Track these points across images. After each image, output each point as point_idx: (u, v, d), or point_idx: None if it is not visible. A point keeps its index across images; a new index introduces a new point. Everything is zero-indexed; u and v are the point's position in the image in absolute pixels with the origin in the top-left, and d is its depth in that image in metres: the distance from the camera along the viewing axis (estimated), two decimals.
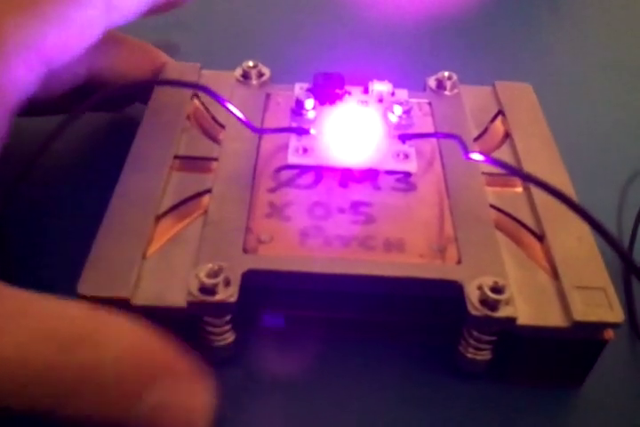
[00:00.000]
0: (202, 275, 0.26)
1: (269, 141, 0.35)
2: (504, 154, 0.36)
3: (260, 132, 0.35)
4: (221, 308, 0.26)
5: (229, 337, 0.28)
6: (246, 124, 0.33)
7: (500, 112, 0.39)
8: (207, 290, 0.26)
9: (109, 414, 0.22)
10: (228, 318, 0.28)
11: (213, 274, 0.26)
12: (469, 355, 0.28)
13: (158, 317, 0.26)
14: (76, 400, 0.21)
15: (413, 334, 0.30)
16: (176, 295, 0.27)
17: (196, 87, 0.36)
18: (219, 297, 0.26)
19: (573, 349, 0.28)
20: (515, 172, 0.31)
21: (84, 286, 0.26)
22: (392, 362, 0.30)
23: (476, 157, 0.30)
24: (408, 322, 0.30)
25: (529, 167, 0.34)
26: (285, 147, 0.34)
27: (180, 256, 0.29)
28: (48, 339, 0.22)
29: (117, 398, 0.22)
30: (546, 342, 0.28)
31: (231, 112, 0.33)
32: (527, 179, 0.28)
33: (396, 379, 0.29)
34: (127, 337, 0.22)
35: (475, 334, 0.28)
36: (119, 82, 0.37)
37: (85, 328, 0.22)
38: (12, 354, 0.21)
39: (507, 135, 0.37)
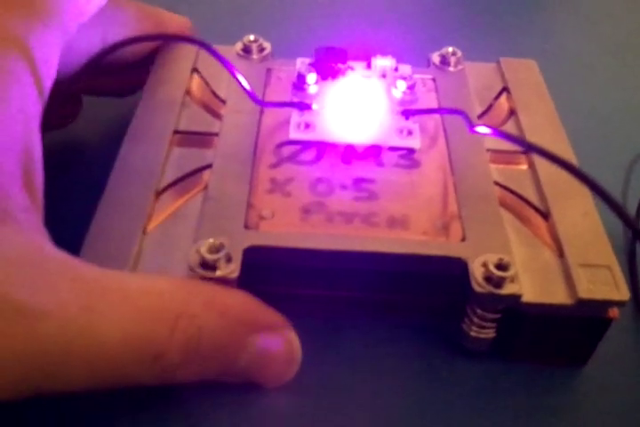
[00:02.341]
0: (203, 250, 0.26)
1: (271, 117, 0.34)
2: (509, 131, 0.35)
3: (263, 104, 0.34)
4: (223, 283, 0.26)
5: None
6: (249, 94, 0.32)
7: (505, 89, 0.38)
8: (208, 265, 0.26)
9: (218, 372, 0.24)
10: None
11: (215, 249, 0.26)
12: (473, 333, 0.28)
13: None
14: (181, 371, 0.23)
15: (417, 312, 0.30)
16: (177, 271, 0.26)
17: (202, 45, 0.35)
18: (220, 273, 0.26)
19: (578, 327, 0.28)
20: (521, 143, 0.30)
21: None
22: (395, 340, 0.30)
23: (482, 130, 0.29)
24: (412, 300, 0.30)
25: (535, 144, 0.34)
26: (287, 122, 0.33)
27: (181, 232, 0.28)
28: (150, 318, 0.22)
29: (221, 358, 0.24)
30: (550, 320, 0.27)
31: (236, 78, 0.32)
32: (532, 149, 0.28)
33: (400, 357, 0.29)
34: (218, 304, 0.24)
35: (478, 311, 0.28)
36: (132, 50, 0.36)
37: (178, 302, 0.23)
38: (117, 336, 0.21)
39: (511, 112, 0.37)
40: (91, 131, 0.38)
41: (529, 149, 0.29)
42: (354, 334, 0.30)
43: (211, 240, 0.26)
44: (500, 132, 0.29)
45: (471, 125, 0.30)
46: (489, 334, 0.28)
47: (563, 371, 0.29)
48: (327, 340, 0.30)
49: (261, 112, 0.34)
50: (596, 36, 0.53)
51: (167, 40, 0.38)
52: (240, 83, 0.32)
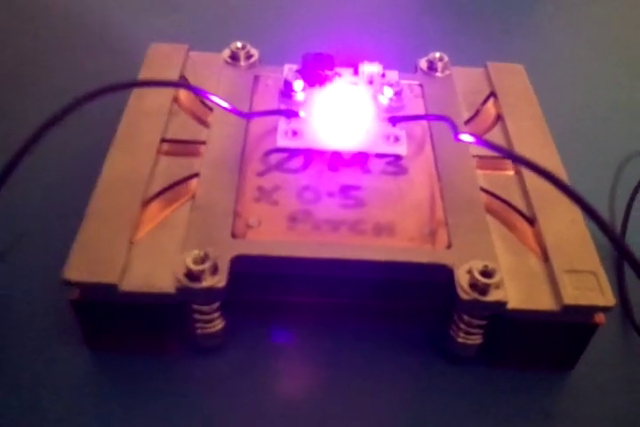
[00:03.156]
0: (188, 261, 0.26)
1: (258, 124, 0.34)
2: (496, 136, 0.36)
3: (248, 116, 0.34)
4: (210, 294, 0.26)
5: (218, 324, 0.28)
6: (233, 111, 0.32)
7: (492, 94, 0.38)
8: (194, 276, 0.26)
9: None
10: (216, 304, 0.27)
11: (200, 260, 0.26)
12: (460, 339, 0.28)
13: (147, 303, 0.26)
14: None
15: (404, 318, 0.30)
16: (164, 281, 0.26)
17: (176, 85, 0.35)
18: (206, 283, 0.26)
19: (564, 333, 0.28)
20: (505, 153, 0.30)
21: (70, 272, 0.26)
22: (382, 347, 0.30)
23: (466, 138, 0.29)
24: (398, 307, 0.30)
25: (520, 150, 0.34)
26: (275, 129, 0.33)
27: (169, 241, 0.28)
28: None
29: None
30: (536, 326, 0.28)
31: (216, 103, 0.32)
32: (518, 160, 0.28)
33: (386, 363, 0.29)
34: None
35: (465, 318, 0.28)
36: None
37: None
38: None
39: (498, 117, 0.37)
40: (77, 137, 0.38)
41: (516, 160, 0.29)
42: (341, 340, 0.30)
43: (196, 251, 0.26)
44: (483, 142, 0.29)
45: (456, 133, 0.30)
46: (476, 340, 0.28)
47: (550, 376, 0.29)
48: (314, 346, 0.30)
49: (248, 120, 0.34)
50: (584, 39, 0.53)
51: (153, 86, 0.37)
52: (220, 105, 0.32)
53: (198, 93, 0.32)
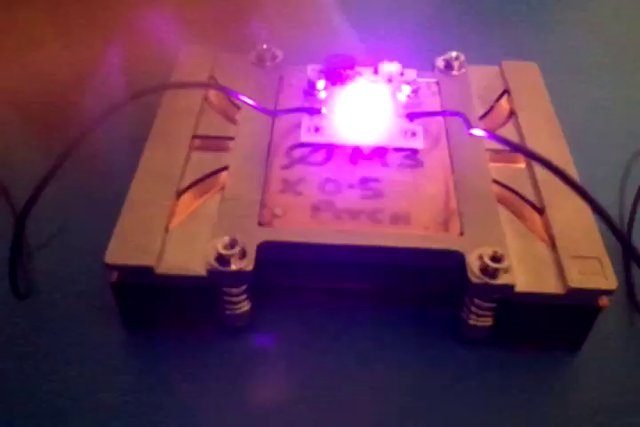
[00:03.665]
0: (219, 246, 0.28)
1: (283, 121, 0.37)
2: (508, 131, 0.37)
3: (274, 113, 0.36)
4: (239, 277, 0.28)
5: (246, 306, 0.30)
6: (260, 109, 0.35)
7: (506, 91, 0.40)
8: (224, 260, 0.28)
9: None
10: (244, 287, 0.29)
11: (229, 246, 0.28)
12: (471, 321, 0.30)
13: (180, 285, 0.29)
14: None
15: (418, 303, 0.32)
16: (197, 265, 0.29)
17: (209, 86, 0.37)
18: (235, 267, 0.28)
19: (569, 315, 0.30)
20: (513, 146, 0.32)
21: (111, 256, 0.28)
22: (398, 330, 0.32)
23: (478, 132, 0.31)
24: (413, 291, 0.32)
25: (532, 145, 0.36)
26: (298, 126, 0.36)
27: (200, 229, 0.31)
28: None
29: None
30: (543, 308, 0.29)
31: (244, 102, 0.34)
32: (525, 153, 0.30)
33: (402, 345, 0.31)
34: None
35: (476, 301, 0.30)
36: None
37: None
38: None
39: (511, 113, 0.39)
40: (114, 136, 0.41)
41: (519, 151, 0.31)
42: (358, 323, 0.32)
43: (226, 238, 0.28)
44: (493, 136, 0.31)
45: (469, 127, 0.32)
46: (486, 322, 0.30)
47: (557, 357, 0.31)
48: (333, 328, 0.32)
49: (274, 117, 0.37)
50: (598, 37, 0.54)
51: (187, 87, 0.39)
52: (248, 104, 0.34)
53: (228, 93, 0.34)
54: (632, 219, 0.38)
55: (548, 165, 0.29)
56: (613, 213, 0.38)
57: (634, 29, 0.55)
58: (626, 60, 0.51)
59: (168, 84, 0.32)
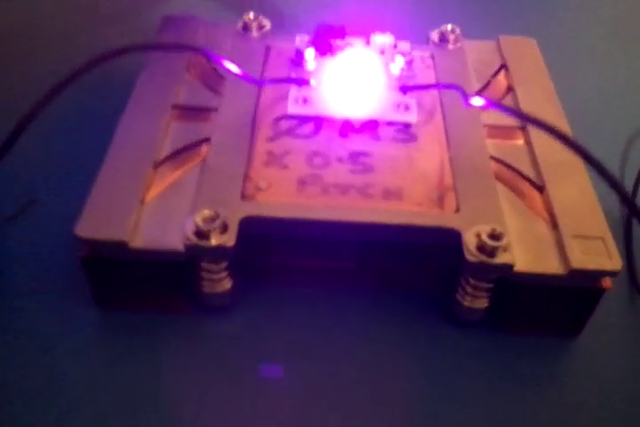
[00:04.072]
0: (198, 219, 0.26)
1: (269, 92, 0.35)
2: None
3: (260, 83, 0.34)
4: (219, 253, 0.26)
5: (227, 284, 0.28)
6: (245, 77, 0.33)
7: (503, 66, 0.38)
8: (203, 234, 0.26)
9: None
10: (224, 264, 0.27)
11: (209, 219, 0.26)
12: (466, 303, 0.28)
13: (156, 261, 0.27)
14: None
15: (411, 283, 0.30)
16: (174, 239, 0.27)
17: (190, 49, 0.35)
18: (215, 241, 0.26)
19: (571, 297, 0.28)
20: (516, 113, 0.30)
21: (82, 229, 0.26)
22: (389, 311, 0.30)
23: (477, 101, 0.29)
24: (406, 271, 0.30)
25: None
26: (285, 97, 0.34)
27: (179, 202, 0.29)
28: None
29: None
30: (543, 290, 0.28)
31: (228, 69, 0.32)
32: (528, 120, 0.28)
33: (393, 328, 0.30)
34: None
35: (472, 281, 0.28)
36: None
37: None
38: None
39: (509, 89, 0.37)
40: (92, 102, 0.39)
41: (523, 119, 0.29)
42: (348, 304, 0.30)
43: (206, 211, 0.27)
44: (494, 103, 0.29)
45: (466, 98, 0.30)
46: (482, 303, 0.28)
47: (556, 341, 0.30)
48: (322, 310, 0.30)
49: (260, 87, 0.35)
50: (596, 15, 0.53)
51: (166, 49, 0.37)
52: (232, 71, 0.32)
53: (211, 58, 0.32)
54: (633, 201, 0.36)
55: (553, 131, 0.27)
56: (612, 194, 0.37)
57: (633, 10, 0.54)
58: (624, 42, 0.50)
59: (138, 45, 0.29)
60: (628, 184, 0.37)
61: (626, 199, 0.26)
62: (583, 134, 0.34)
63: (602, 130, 0.42)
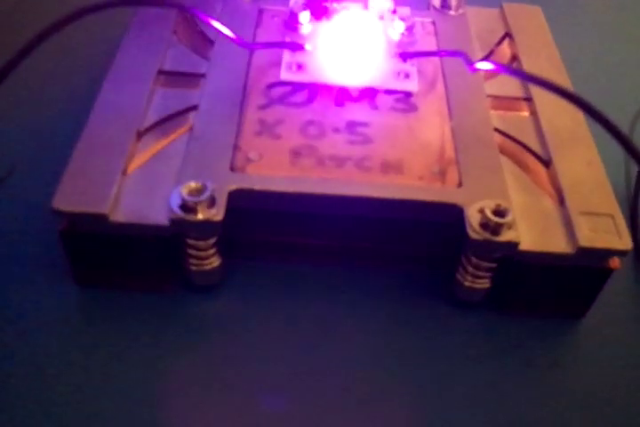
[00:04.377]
0: (184, 192, 0.24)
1: (261, 57, 0.33)
2: (511, 78, 0.34)
3: (251, 47, 0.32)
4: (207, 227, 0.25)
5: (215, 262, 0.27)
6: (234, 40, 0.30)
7: (508, 34, 0.36)
8: (189, 208, 0.24)
9: None
10: (213, 240, 0.26)
11: (196, 192, 0.25)
12: (467, 283, 0.27)
13: (139, 236, 0.25)
14: None
15: (411, 262, 0.29)
16: (158, 213, 0.25)
17: (174, 6, 0.33)
18: (202, 216, 0.24)
19: (577, 277, 0.27)
20: (523, 75, 0.29)
21: (59, 201, 0.24)
22: (388, 290, 0.29)
23: (484, 65, 0.28)
24: (404, 249, 0.29)
25: (536, 90, 0.32)
26: (278, 63, 0.32)
27: (164, 173, 0.27)
28: None
29: None
30: (549, 270, 0.26)
31: (217, 29, 0.30)
32: (535, 81, 0.26)
33: (392, 307, 0.28)
34: None
35: (474, 260, 0.26)
36: None
37: None
38: None
39: (514, 58, 0.35)
40: (70, 67, 0.37)
41: (532, 80, 0.27)
42: (346, 282, 0.29)
43: (192, 183, 0.25)
44: (502, 67, 0.28)
45: (471, 64, 0.28)
46: (484, 284, 0.27)
47: (560, 324, 0.28)
48: (313, 289, 0.28)
49: (251, 53, 0.33)
50: None
51: (148, 5, 0.34)
52: (223, 33, 0.30)
53: (200, 18, 0.30)
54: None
55: (566, 94, 0.25)
56: (620, 171, 0.35)
57: None
58: (632, 14, 0.48)
59: (118, 1, 0.27)
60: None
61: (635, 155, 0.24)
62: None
63: (609, 101, 0.40)
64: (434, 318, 0.28)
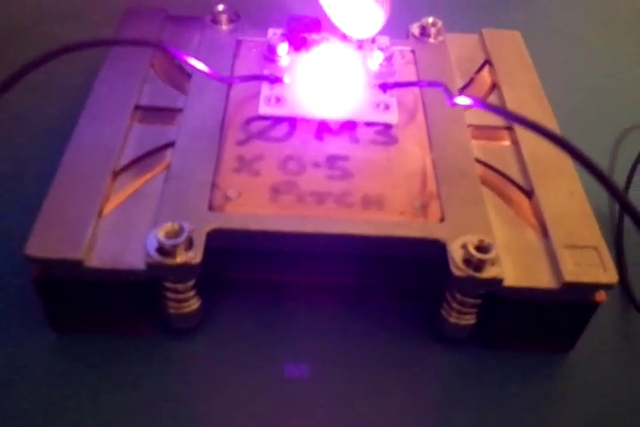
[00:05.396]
0: (161, 234, 0.24)
1: (240, 90, 0.32)
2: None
3: (229, 81, 0.32)
4: (184, 271, 0.24)
5: (194, 304, 0.26)
6: (212, 75, 0.30)
7: (487, 62, 0.36)
8: (166, 251, 0.24)
9: None
10: (191, 282, 0.25)
11: (173, 234, 0.24)
12: (453, 319, 0.27)
13: (115, 281, 0.24)
14: None
15: (394, 298, 0.29)
16: (135, 257, 0.24)
17: (149, 45, 0.33)
18: (180, 259, 0.24)
19: (563, 312, 0.26)
20: (504, 113, 0.28)
21: (32, 248, 0.24)
22: (371, 327, 0.28)
23: (462, 100, 0.27)
24: (389, 285, 0.28)
25: None
26: (257, 95, 0.31)
27: (140, 214, 0.26)
28: None
29: None
30: (534, 305, 0.26)
31: (193, 66, 0.30)
32: (517, 120, 0.25)
33: (375, 344, 0.28)
34: None
35: (458, 297, 0.26)
36: None
37: None
38: None
39: (494, 86, 0.35)
40: (48, 103, 0.36)
41: (511, 118, 0.27)
42: (328, 322, 0.28)
43: (169, 224, 0.24)
44: (481, 103, 0.27)
45: (451, 97, 0.28)
46: (469, 320, 0.27)
47: (547, 357, 0.28)
48: (296, 328, 0.28)
49: (229, 85, 0.32)
50: (581, 8, 0.51)
51: (122, 44, 0.34)
52: (199, 70, 0.30)
53: (174, 55, 0.29)
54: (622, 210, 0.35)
55: (543, 131, 0.25)
56: (603, 201, 0.35)
57: (618, 4, 0.52)
58: (610, 36, 0.48)
59: (93, 41, 0.26)
60: (620, 178, 0.36)
61: (616, 196, 0.24)
62: (570, 131, 0.33)
63: (591, 124, 0.40)
64: (418, 355, 0.27)
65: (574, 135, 0.32)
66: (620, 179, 0.36)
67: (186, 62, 0.29)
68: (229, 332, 0.27)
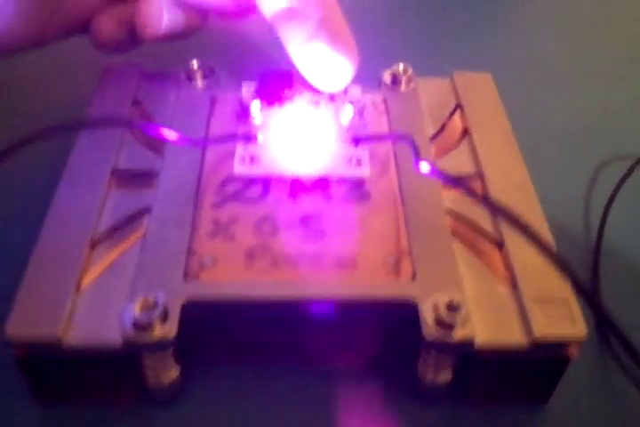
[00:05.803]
0: (136, 309, 0.24)
1: (215, 150, 0.33)
2: (463, 152, 0.34)
3: (203, 144, 0.33)
4: (160, 345, 0.25)
5: (173, 374, 0.26)
6: (185, 141, 0.31)
7: (459, 106, 0.37)
8: (142, 326, 0.24)
9: None
10: (169, 351, 0.26)
11: (148, 307, 0.25)
12: (429, 377, 0.27)
13: (94, 357, 0.25)
14: None
15: (369, 357, 0.29)
16: (111, 333, 0.25)
17: (125, 125, 0.34)
18: (156, 334, 0.24)
19: (536, 367, 0.27)
20: (477, 198, 0.29)
21: (11, 328, 0.24)
22: (346, 386, 0.29)
23: (425, 167, 0.28)
24: (363, 345, 0.29)
25: (488, 166, 0.33)
26: (232, 155, 0.32)
27: (117, 286, 0.27)
28: None
29: None
30: (507, 362, 0.26)
31: (166, 140, 0.30)
32: (494, 209, 0.26)
33: (352, 402, 0.28)
34: None
35: (434, 354, 0.26)
36: None
37: None
38: None
39: (465, 132, 0.36)
40: (25, 174, 0.37)
41: (488, 207, 0.29)
42: (304, 382, 0.29)
43: (144, 297, 0.25)
44: (442, 175, 0.28)
45: (417, 157, 0.29)
46: (446, 377, 0.27)
47: (524, 410, 0.28)
48: (276, 385, 0.28)
49: (204, 146, 0.33)
50: (553, 42, 0.51)
51: (90, 127, 0.34)
52: (169, 140, 0.30)
53: (146, 131, 0.30)
54: (599, 239, 0.35)
55: (514, 220, 0.25)
56: (578, 236, 0.36)
57: (590, 35, 0.53)
58: (581, 72, 0.49)
59: (62, 126, 0.27)
60: (594, 222, 0.36)
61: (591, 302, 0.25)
62: (547, 167, 0.33)
63: (566, 161, 0.41)
64: (395, 412, 0.28)
65: (550, 171, 0.33)
66: (596, 213, 0.37)
67: (159, 135, 0.30)
68: (209, 397, 0.28)
